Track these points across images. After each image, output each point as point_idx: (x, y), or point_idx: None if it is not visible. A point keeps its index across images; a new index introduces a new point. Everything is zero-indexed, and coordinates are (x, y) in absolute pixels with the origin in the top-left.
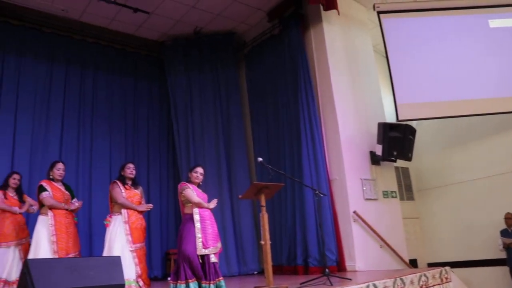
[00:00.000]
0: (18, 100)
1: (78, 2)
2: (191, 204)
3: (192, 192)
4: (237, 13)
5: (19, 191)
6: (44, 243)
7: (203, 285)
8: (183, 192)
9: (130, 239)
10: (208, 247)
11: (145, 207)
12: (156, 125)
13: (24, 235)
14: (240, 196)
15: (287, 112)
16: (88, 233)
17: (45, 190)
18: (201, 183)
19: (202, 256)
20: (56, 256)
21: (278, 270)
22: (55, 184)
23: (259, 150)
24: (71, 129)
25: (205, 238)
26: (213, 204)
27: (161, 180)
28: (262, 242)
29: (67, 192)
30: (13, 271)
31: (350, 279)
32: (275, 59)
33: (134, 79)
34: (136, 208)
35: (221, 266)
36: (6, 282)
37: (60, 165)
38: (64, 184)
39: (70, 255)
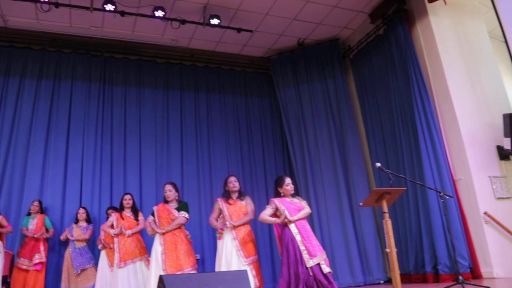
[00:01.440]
0: (141, 128)
1: (185, 30)
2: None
3: (267, 213)
4: (339, 19)
5: (134, 210)
6: (157, 260)
7: None
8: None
9: (242, 254)
10: (316, 256)
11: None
12: (270, 139)
13: (144, 252)
14: (361, 204)
15: (402, 113)
16: (213, 248)
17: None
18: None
19: (311, 268)
20: (165, 272)
21: (406, 278)
22: (166, 205)
23: (376, 155)
24: (190, 150)
25: (311, 248)
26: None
27: None
28: (388, 250)
29: (173, 212)
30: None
31: None
32: (383, 60)
33: (245, 96)
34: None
35: (345, 276)
36: None
37: (166, 187)
38: (180, 202)
39: (185, 271)
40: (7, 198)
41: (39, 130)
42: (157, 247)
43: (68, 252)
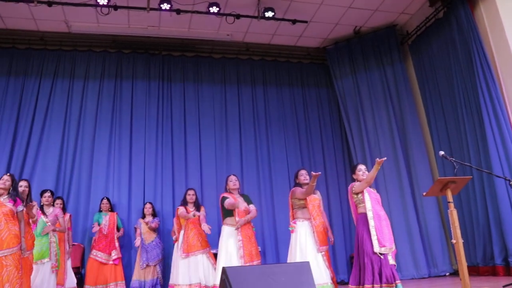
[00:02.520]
0: (200, 123)
1: (240, 25)
2: (363, 204)
3: (361, 182)
4: (396, 5)
5: (196, 204)
6: (227, 253)
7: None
8: (353, 188)
9: (317, 240)
10: (385, 246)
11: None
12: (328, 129)
13: (206, 245)
14: (424, 194)
15: (465, 98)
16: (274, 239)
17: (227, 198)
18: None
19: (379, 256)
20: (242, 263)
21: (474, 271)
22: (233, 194)
23: (439, 143)
24: (249, 143)
25: (381, 236)
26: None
27: (339, 183)
28: (454, 241)
29: (245, 204)
30: (210, 277)
31: None
32: (444, 44)
33: (302, 88)
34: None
35: (409, 268)
36: (206, 287)
37: (232, 177)
38: (242, 195)
39: (256, 262)
40: (76, 196)
41: (103, 129)
42: (229, 239)
43: (140, 247)
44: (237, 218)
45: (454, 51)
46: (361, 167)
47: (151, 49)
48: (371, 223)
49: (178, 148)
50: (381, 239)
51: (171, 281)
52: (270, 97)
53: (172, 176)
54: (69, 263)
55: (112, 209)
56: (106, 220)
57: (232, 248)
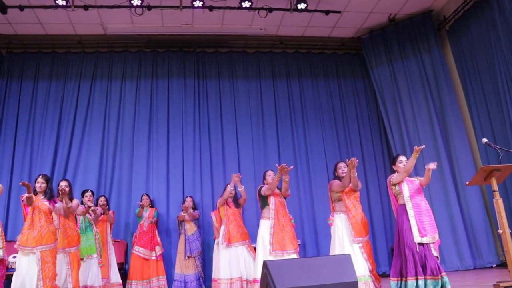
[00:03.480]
0: (237, 117)
1: (273, 18)
2: (402, 195)
3: (399, 174)
4: None
5: (235, 199)
6: (264, 246)
7: (419, 281)
8: (392, 180)
9: (352, 232)
10: (426, 235)
11: None
12: (365, 120)
13: (246, 237)
14: (467, 183)
15: (509, 83)
16: (314, 232)
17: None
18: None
19: (420, 246)
20: (273, 256)
21: None
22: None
23: (481, 130)
24: (286, 136)
25: (421, 225)
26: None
27: (378, 174)
28: (500, 231)
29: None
30: (251, 270)
31: None
32: (484, 28)
33: (337, 79)
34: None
35: (453, 259)
36: (247, 280)
37: (270, 172)
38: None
39: (288, 252)
40: (117, 193)
41: (141, 127)
42: (264, 232)
43: (181, 239)
44: (272, 206)
45: (495, 34)
46: (402, 158)
47: (185, 46)
48: (410, 213)
49: (215, 143)
50: (422, 228)
51: (213, 275)
52: (306, 89)
53: (210, 171)
54: (113, 258)
55: (152, 204)
56: (147, 216)
57: (267, 240)
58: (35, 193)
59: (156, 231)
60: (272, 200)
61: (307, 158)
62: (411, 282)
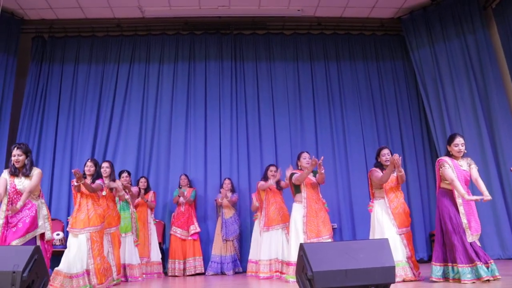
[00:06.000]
0: (274, 100)
1: None
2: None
3: (451, 172)
4: None
5: (277, 181)
6: (296, 229)
7: (467, 268)
8: (441, 169)
9: (395, 223)
10: (477, 232)
11: None
12: (405, 104)
13: (286, 220)
14: None
15: None
16: (350, 216)
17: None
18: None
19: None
20: (305, 236)
21: None
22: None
23: None
24: (323, 119)
25: (475, 222)
26: (475, 197)
27: (418, 158)
28: None
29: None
30: (285, 252)
31: None
32: None
33: (376, 61)
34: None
35: (494, 247)
36: (282, 262)
37: (305, 155)
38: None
39: (323, 238)
40: (155, 174)
41: (179, 109)
42: (297, 215)
43: (219, 222)
44: (304, 194)
45: None
46: (459, 140)
47: (223, 29)
48: (461, 210)
49: (252, 126)
50: (473, 226)
51: (251, 256)
52: (344, 71)
53: (247, 154)
54: (154, 238)
55: (190, 185)
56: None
57: (299, 224)
58: (84, 177)
59: (193, 212)
60: (303, 188)
61: (344, 141)
62: (462, 269)
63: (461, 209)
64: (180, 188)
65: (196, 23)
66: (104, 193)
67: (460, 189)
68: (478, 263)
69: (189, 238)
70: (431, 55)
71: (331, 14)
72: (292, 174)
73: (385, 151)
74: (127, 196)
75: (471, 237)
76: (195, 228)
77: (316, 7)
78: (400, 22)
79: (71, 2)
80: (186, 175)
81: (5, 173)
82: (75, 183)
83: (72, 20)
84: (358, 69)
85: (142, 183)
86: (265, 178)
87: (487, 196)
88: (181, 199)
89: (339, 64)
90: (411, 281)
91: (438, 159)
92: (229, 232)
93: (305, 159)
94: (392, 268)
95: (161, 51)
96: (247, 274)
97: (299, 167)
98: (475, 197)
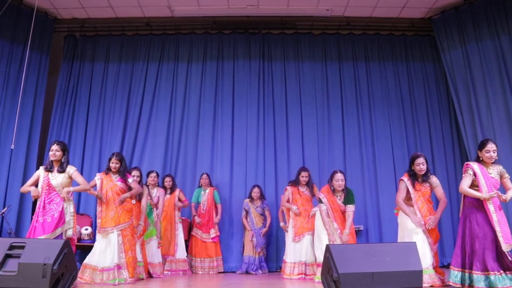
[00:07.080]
0: (301, 100)
1: None
2: (478, 189)
3: (467, 182)
4: None
5: (310, 185)
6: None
7: (491, 276)
8: (463, 175)
9: (429, 240)
10: (510, 242)
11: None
12: (435, 107)
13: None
14: None
15: None
16: (377, 218)
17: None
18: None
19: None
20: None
21: None
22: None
23: None
24: (351, 120)
25: (507, 231)
26: (489, 194)
27: (447, 162)
28: None
29: None
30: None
31: None
32: None
33: (406, 62)
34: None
35: None
36: (305, 264)
37: (338, 176)
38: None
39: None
40: (182, 173)
41: (206, 108)
42: (320, 222)
43: (249, 233)
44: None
45: None
46: (491, 146)
47: (251, 28)
48: (494, 217)
49: (280, 126)
50: (506, 236)
51: (284, 257)
52: (373, 72)
53: (274, 155)
54: (181, 236)
55: (211, 184)
56: (205, 197)
57: (323, 233)
58: (109, 172)
59: (214, 213)
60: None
61: (372, 143)
62: (494, 276)
63: (493, 216)
64: (200, 187)
65: (225, 22)
66: (133, 201)
67: (474, 193)
68: (494, 273)
69: (209, 240)
70: (463, 57)
71: (361, 14)
72: (319, 193)
73: (420, 160)
74: (150, 201)
75: (505, 246)
76: (215, 232)
77: (345, 7)
78: (431, 23)
79: (102, 2)
80: (207, 174)
81: (41, 169)
82: (120, 200)
83: (103, 19)
84: (387, 70)
85: (167, 182)
86: (295, 182)
87: (504, 195)
88: (201, 201)
89: (368, 64)
90: (440, 286)
91: (465, 163)
92: (258, 242)
93: (338, 181)
94: (420, 273)
95: (190, 50)
96: (281, 274)
97: (332, 187)
98: (489, 194)
